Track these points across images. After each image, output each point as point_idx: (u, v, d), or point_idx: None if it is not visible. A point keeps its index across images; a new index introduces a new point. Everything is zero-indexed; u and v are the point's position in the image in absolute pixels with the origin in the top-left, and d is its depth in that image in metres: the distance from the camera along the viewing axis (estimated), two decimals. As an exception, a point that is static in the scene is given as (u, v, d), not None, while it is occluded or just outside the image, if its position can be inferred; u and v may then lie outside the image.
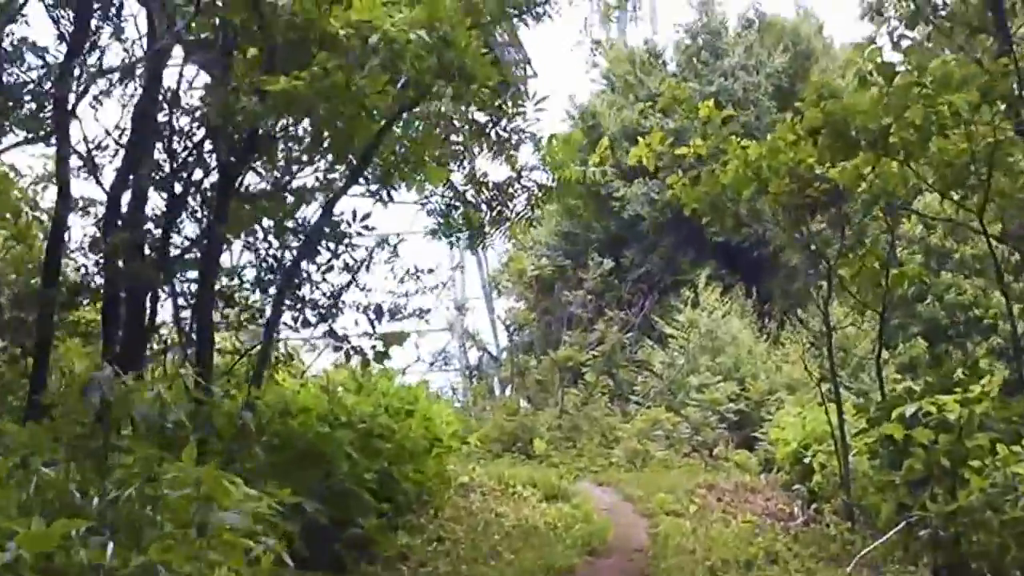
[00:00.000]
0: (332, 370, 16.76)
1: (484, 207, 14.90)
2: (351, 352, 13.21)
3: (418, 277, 15.46)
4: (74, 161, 14.73)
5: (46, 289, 13.15)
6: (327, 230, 13.53)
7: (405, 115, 12.77)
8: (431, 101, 12.36)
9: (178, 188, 14.45)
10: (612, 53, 44.14)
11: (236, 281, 14.57)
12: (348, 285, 14.39)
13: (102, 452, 6.94)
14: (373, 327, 13.45)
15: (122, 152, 14.60)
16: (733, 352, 33.05)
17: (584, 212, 41.18)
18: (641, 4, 50.31)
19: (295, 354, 17.39)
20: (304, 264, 13.99)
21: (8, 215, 17.19)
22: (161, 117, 14.10)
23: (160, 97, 13.84)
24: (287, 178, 14.60)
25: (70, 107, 13.61)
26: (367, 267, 14.58)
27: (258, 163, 14.59)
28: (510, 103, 13.06)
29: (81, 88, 13.45)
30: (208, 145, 14.23)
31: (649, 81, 41.59)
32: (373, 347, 13.16)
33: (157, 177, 14.26)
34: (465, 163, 14.66)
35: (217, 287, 14.45)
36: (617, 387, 34.25)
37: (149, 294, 13.93)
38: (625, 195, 40.14)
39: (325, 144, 13.09)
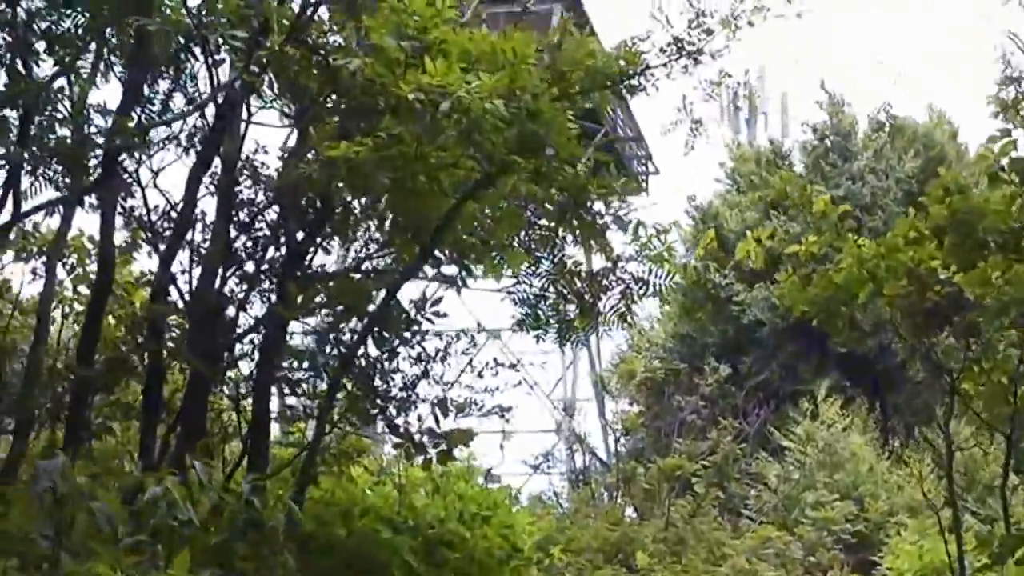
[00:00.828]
0: (409, 468, 15.62)
1: (574, 299, 13.62)
2: (411, 450, 12.01)
3: (496, 372, 14.17)
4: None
5: (80, 368, 12.22)
6: (394, 316, 12.38)
7: (483, 192, 11.60)
8: (512, 177, 11.14)
9: (245, 264, 13.49)
10: (737, 152, 43.06)
11: (303, 366, 13.40)
12: (421, 377, 13.20)
13: (52, 559, 5.83)
14: (438, 423, 12.21)
15: (195, 225, 13.70)
16: (852, 469, 31.44)
17: (701, 315, 40.15)
18: (768, 103, 49.42)
19: (369, 448, 16.18)
20: (371, 352, 12.87)
21: (83, 288, 16.38)
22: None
23: (216, 162, 12.93)
24: (359, 257, 13.54)
25: (130, 171, 12.84)
26: (442, 359, 13.38)
27: (331, 241, 13.56)
28: (594, 184, 11.75)
29: (141, 151, 12.59)
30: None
31: (774, 181, 40.28)
32: (436, 445, 11.92)
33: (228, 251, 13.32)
34: (555, 250, 13.45)
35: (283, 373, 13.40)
36: (728, 500, 32.69)
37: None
38: (745, 299, 39.07)
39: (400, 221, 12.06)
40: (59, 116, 12.05)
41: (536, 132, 10.37)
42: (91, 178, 12.52)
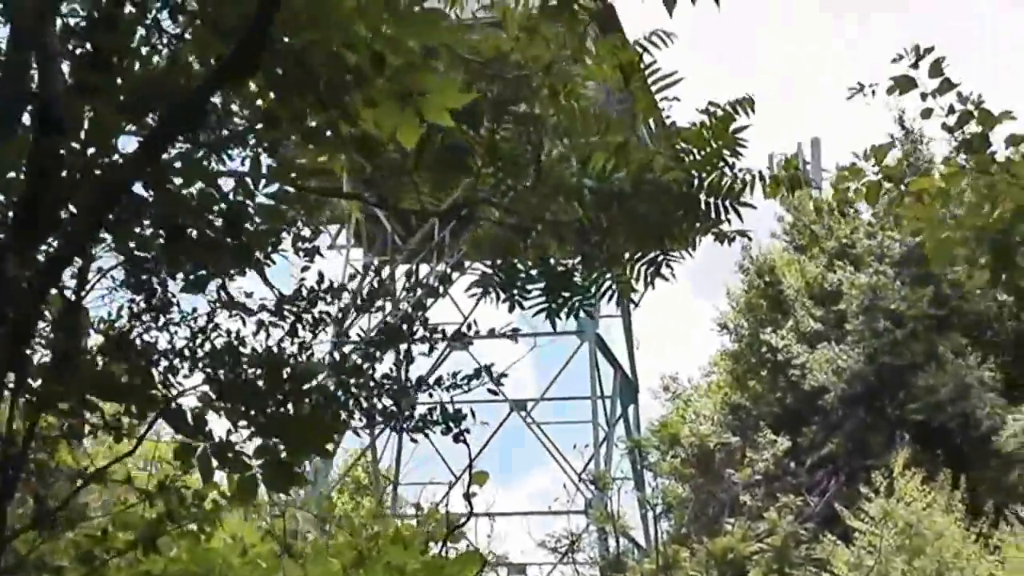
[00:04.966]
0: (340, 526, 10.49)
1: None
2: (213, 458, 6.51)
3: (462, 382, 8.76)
4: None
5: None
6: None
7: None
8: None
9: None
10: (795, 201, 38.63)
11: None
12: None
13: None
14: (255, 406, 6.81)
15: None
16: (935, 554, 27.19)
17: (755, 382, 36.12)
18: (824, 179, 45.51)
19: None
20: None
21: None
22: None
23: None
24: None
25: None
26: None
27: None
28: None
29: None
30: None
31: (838, 230, 36.07)
32: (263, 452, 6.57)
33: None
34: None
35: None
36: (789, 590, 28.36)
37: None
38: (806, 363, 34.90)
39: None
40: None
41: None
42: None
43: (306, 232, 7.54)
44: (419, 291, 10.13)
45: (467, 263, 10.24)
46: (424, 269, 32.92)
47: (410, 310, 9.10)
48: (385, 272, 31.41)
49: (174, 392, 6.81)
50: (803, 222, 38.24)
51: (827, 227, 37.16)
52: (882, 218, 35.44)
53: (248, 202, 6.29)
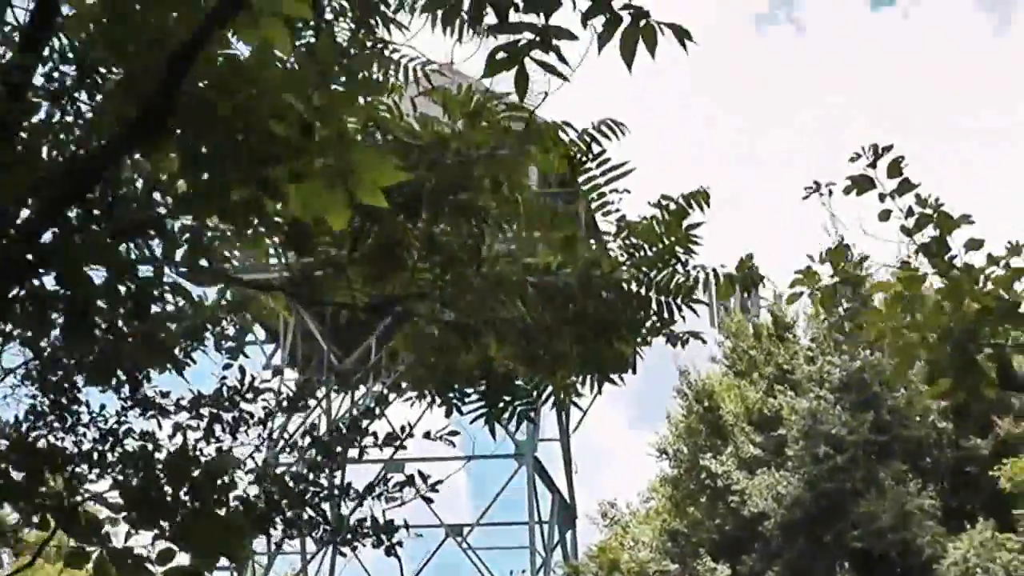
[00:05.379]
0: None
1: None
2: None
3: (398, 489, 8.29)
4: None
5: None
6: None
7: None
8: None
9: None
10: (734, 326, 38.38)
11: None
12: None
13: None
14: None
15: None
16: None
17: (694, 508, 35.58)
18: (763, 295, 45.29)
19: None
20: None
21: None
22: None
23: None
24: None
25: None
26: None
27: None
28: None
29: None
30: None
31: (778, 355, 35.76)
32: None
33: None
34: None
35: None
36: None
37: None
38: (746, 488, 34.17)
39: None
40: None
41: None
42: None
43: (230, 331, 7.08)
44: (355, 412, 9.81)
45: (404, 384, 9.77)
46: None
47: (345, 431, 8.69)
48: (320, 393, 30.76)
49: (78, 497, 6.25)
50: (742, 347, 37.91)
51: (766, 352, 36.86)
52: (822, 343, 35.23)
53: (164, 287, 5.77)
